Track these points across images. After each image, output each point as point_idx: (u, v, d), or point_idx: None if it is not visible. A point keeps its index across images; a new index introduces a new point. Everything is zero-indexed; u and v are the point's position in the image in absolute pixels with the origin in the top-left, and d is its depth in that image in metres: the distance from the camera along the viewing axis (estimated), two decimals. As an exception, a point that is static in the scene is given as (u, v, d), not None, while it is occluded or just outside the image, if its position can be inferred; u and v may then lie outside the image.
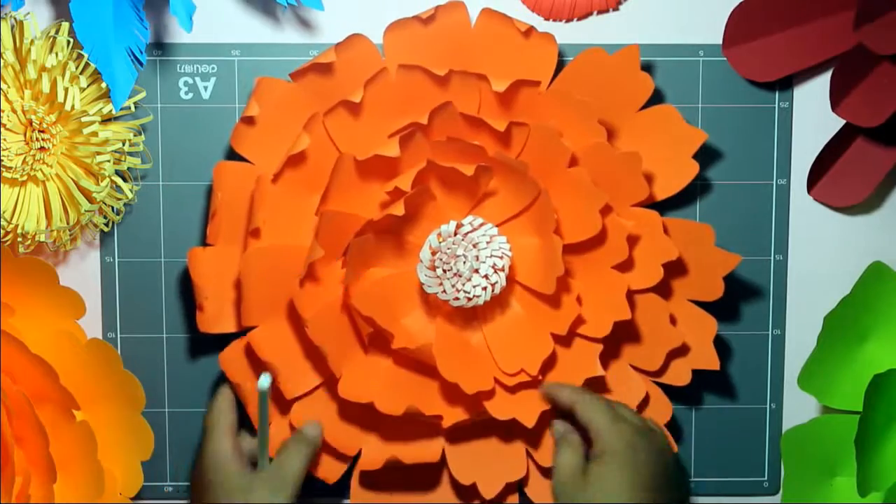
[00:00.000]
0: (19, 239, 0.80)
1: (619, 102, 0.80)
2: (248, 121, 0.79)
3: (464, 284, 0.79)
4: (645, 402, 0.82)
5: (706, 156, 0.84)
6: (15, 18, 0.79)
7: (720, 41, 0.83)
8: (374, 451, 0.81)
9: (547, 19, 0.83)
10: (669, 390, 0.83)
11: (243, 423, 0.81)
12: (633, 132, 0.81)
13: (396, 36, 0.79)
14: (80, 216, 0.80)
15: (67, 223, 0.80)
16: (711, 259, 0.81)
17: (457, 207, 0.81)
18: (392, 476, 0.82)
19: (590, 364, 0.80)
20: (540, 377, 0.80)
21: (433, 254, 0.78)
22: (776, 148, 0.84)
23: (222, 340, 0.81)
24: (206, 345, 0.84)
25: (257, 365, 0.80)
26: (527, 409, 0.79)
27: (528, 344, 0.80)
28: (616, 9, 0.83)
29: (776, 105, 0.84)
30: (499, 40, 0.79)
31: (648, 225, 0.80)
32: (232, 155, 0.81)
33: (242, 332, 0.80)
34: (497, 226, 0.80)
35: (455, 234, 0.79)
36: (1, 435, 0.78)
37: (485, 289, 0.79)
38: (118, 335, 0.84)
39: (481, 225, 0.79)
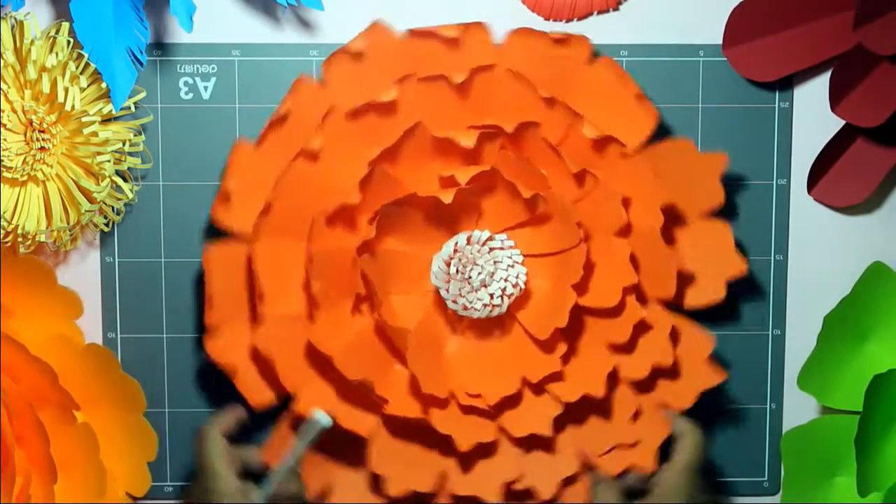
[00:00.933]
0: (20, 239, 0.79)
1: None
2: (225, 197, 0.79)
3: (468, 293, 0.79)
4: (675, 337, 0.81)
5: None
6: (15, 18, 0.79)
7: (720, 41, 0.83)
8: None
9: (547, 19, 0.83)
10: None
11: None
12: (584, 97, 0.81)
13: (333, 72, 0.79)
14: (80, 216, 0.80)
15: (67, 223, 0.80)
16: (700, 168, 0.81)
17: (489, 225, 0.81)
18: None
19: (633, 311, 0.79)
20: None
21: (455, 252, 0.79)
22: (776, 148, 0.84)
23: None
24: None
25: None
26: (542, 421, 0.80)
27: (553, 306, 0.80)
28: (616, 9, 0.83)
29: (776, 105, 0.84)
30: (428, 50, 0.80)
31: (636, 173, 0.79)
32: (226, 159, 0.82)
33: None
34: (525, 255, 0.80)
35: (483, 243, 0.79)
36: (1, 435, 0.78)
37: (486, 306, 0.79)
38: (118, 335, 0.84)
39: (511, 247, 0.79)
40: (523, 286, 0.79)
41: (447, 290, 0.79)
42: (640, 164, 0.79)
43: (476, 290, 0.79)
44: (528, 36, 0.80)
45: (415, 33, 0.79)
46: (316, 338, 0.78)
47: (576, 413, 0.81)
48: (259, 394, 0.81)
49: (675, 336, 0.81)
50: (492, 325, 0.81)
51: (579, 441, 0.82)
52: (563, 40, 0.79)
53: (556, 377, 0.80)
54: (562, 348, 0.79)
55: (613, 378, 0.81)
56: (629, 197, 0.79)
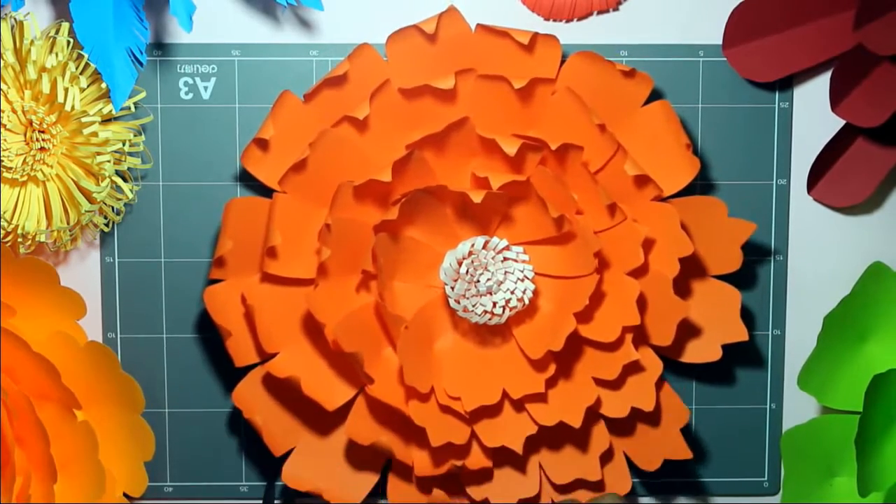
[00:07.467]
0: (20, 239, 0.80)
1: (616, 103, 0.80)
2: (262, 143, 0.79)
3: (472, 296, 0.79)
4: (659, 383, 0.81)
5: (706, 156, 0.84)
6: (15, 18, 0.79)
7: (720, 41, 0.83)
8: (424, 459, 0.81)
9: (547, 19, 0.83)
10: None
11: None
12: (633, 133, 0.81)
13: (398, 47, 0.79)
14: (80, 216, 0.80)
15: (68, 223, 0.80)
16: (726, 230, 0.81)
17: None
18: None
19: (628, 351, 0.79)
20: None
21: (470, 253, 0.78)
22: (776, 148, 0.84)
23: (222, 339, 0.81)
24: (206, 345, 0.84)
25: (276, 395, 0.81)
26: (515, 437, 0.80)
27: (551, 329, 0.79)
28: (616, 9, 0.83)
29: (776, 105, 0.84)
30: (498, 48, 0.79)
31: (665, 219, 0.79)
32: (226, 159, 0.82)
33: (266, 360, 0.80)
34: (536, 273, 0.80)
35: (499, 251, 0.79)
36: (1, 435, 0.78)
37: (486, 313, 0.79)
38: (118, 335, 0.84)
39: (524, 262, 0.79)
40: (528, 302, 0.79)
41: (452, 289, 0.78)
42: (670, 212, 0.78)
43: (480, 296, 0.79)
44: (594, 61, 0.79)
45: (488, 29, 0.78)
46: (314, 305, 0.77)
47: (553, 438, 0.82)
48: (244, 354, 0.80)
49: (658, 386, 0.81)
50: (493, 334, 0.81)
51: (549, 465, 0.82)
52: (629, 73, 0.79)
53: (539, 398, 0.80)
54: (551, 371, 0.79)
55: (594, 412, 0.80)
56: (653, 240, 0.79)
